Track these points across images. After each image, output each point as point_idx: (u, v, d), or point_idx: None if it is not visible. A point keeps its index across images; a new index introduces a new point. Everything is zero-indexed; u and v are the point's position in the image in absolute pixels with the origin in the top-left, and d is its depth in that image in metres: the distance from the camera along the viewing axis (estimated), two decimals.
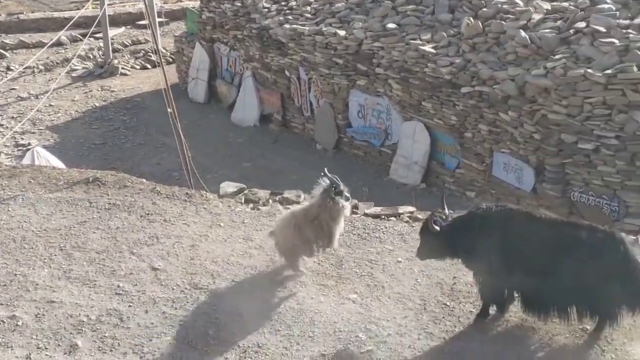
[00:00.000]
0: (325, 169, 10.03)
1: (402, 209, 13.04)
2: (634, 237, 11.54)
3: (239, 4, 24.66)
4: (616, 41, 14.94)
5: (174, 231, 11.40)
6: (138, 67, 30.11)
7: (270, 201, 13.03)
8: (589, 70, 14.56)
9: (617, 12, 16.07)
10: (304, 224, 9.84)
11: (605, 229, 8.65)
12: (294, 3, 23.13)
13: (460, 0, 19.13)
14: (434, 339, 8.85)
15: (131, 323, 9.19)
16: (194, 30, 27.94)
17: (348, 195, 9.94)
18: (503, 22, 17.21)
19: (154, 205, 12.32)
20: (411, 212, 12.92)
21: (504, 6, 17.81)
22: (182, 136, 14.40)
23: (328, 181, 9.81)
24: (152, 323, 9.16)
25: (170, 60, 29.28)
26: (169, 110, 14.24)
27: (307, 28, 21.21)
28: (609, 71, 14.40)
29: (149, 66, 30.04)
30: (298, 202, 13.07)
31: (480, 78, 16.65)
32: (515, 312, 9.11)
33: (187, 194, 12.89)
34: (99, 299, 9.68)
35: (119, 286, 9.96)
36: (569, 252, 8.30)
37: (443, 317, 9.25)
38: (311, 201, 10.12)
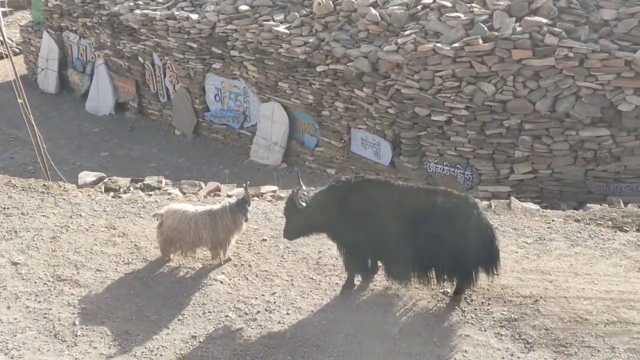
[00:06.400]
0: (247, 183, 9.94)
1: (264, 189, 13.24)
2: (487, 203, 12.08)
3: None
4: (462, 15, 15.43)
5: (32, 224, 11.09)
6: None
7: (132, 188, 12.92)
8: (438, 45, 14.99)
9: None
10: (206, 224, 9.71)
11: (459, 194, 8.93)
12: None
13: None
14: (302, 312, 8.99)
15: None
16: (40, 19, 27.11)
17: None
18: (353, 0, 17.46)
19: (10, 198, 11.95)
20: (273, 192, 13.11)
21: None
22: (35, 127, 13.97)
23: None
24: (15, 318, 8.89)
25: (17, 51, 28.23)
26: (19, 101, 13.78)
27: (159, 13, 20.96)
28: (456, 44, 14.87)
29: None
30: (159, 188, 12.99)
31: (334, 56, 16.88)
32: (379, 280, 9.38)
33: (44, 185, 12.58)
34: None
35: None
36: (425, 217, 8.55)
37: (310, 291, 9.41)
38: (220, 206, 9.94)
